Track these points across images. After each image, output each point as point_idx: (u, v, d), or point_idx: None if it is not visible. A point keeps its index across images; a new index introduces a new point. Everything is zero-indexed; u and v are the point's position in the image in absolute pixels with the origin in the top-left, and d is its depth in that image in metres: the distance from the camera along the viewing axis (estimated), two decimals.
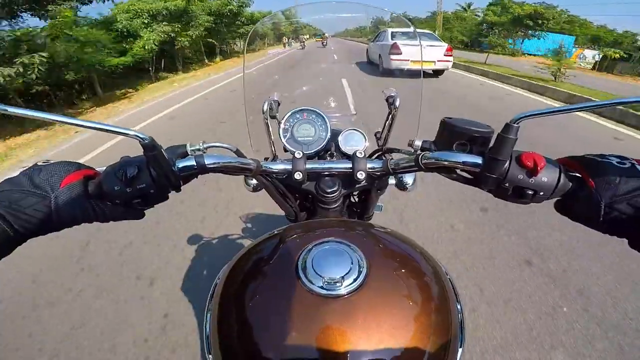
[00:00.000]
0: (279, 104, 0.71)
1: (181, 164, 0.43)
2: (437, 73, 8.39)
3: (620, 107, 4.95)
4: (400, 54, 7.11)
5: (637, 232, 0.33)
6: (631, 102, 0.31)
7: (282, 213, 0.69)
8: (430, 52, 7.61)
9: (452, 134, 0.46)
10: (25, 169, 0.38)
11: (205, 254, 1.93)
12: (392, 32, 7.60)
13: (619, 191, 0.34)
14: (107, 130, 0.36)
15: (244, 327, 0.35)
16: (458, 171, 0.45)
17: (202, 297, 1.53)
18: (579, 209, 0.37)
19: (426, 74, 8.36)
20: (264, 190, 0.64)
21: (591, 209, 0.35)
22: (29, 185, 0.36)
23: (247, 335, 0.35)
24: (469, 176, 0.44)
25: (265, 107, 0.67)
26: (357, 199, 0.75)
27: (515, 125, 0.36)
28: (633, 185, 0.34)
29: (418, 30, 9.82)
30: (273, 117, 0.69)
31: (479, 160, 0.41)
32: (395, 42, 7.16)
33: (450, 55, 7.88)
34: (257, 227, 2.13)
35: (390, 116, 0.70)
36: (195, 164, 0.44)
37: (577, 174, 0.39)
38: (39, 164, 0.39)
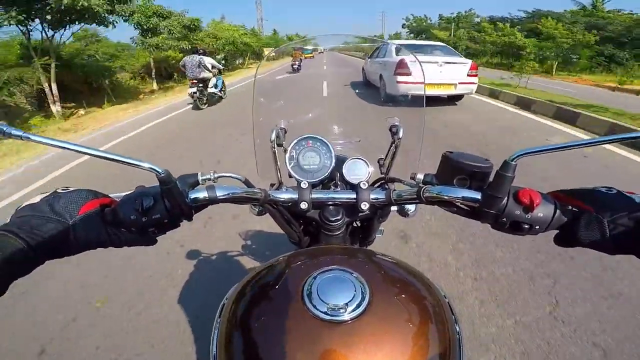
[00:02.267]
0: (285, 132, 0.71)
1: (193, 195, 0.46)
2: (453, 98, 6.42)
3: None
4: (410, 74, 5.22)
5: None
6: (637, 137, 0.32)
7: (282, 231, 0.69)
8: (450, 72, 5.73)
9: (452, 168, 0.46)
10: (45, 195, 0.40)
11: (205, 270, 1.89)
12: (396, 46, 5.76)
13: (617, 210, 0.37)
14: (123, 162, 0.38)
15: (251, 348, 0.37)
16: (458, 204, 0.46)
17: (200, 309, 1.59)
18: (584, 234, 0.38)
19: (442, 99, 6.43)
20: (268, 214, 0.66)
21: (597, 230, 0.37)
22: (49, 211, 0.38)
23: (253, 356, 0.36)
24: (468, 209, 0.46)
25: (273, 135, 0.67)
26: (359, 224, 0.75)
27: (513, 163, 0.38)
28: (626, 204, 0.37)
29: (430, 42, 8.01)
30: (280, 145, 0.69)
31: (477, 195, 0.43)
32: (402, 59, 5.30)
33: (475, 76, 5.98)
34: (256, 245, 2.06)
35: (394, 146, 0.71)
36: (207, 195, 0.46)
37: (572, 206, 0.41)
38: (58, 191, 0.41)
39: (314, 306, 0.36)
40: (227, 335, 0.40)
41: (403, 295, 0.40)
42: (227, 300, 0.46)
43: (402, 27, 36.52)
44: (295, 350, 0.34)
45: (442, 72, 5.63)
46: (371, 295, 0.38)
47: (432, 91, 5.66)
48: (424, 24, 35.81)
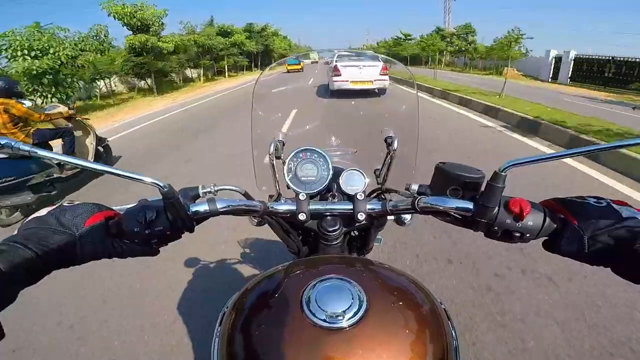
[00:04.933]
0: (283, 144, 0.74)
1: (195, 207, 0.48)
2: (379, 92, 9.35)
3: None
4: (340, 75, 8.02)
5: (619, 260, 0.38)
6: (631, 145, 0.32)
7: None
8: (367, 72, 8.59)
9: (445, 179, 0.49)
10: (52, 208, 0.42)
11: (204, 278, 2.00)
12: (338, 55, 8.53)
13: (599, 225, 0.38)
14: (127, 177, 0.40)
15: (251, 356, 0.38)
16: (451, 214, 0.47)
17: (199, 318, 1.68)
18: (566, 245, 0.40)
19: (372, 93, 9.40)
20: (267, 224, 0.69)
21: (576, 244, 0.39)
22: (56, 224, 0.40)
23: None
24: (461, 218, 0.47)
25: (272, 148, 0.70)
26: (357, 234, 0.77)
27: (503, 173, 0.40)
28: (611, 220, 0.38)
29: (363, 51, 10.81)
30: (278, 158, 0.71)
31: (470, 205, 0.45)
32: (336, 64, 8.12)
33: (386, 74, 8.92)
34: (255, 253, 2.20)
35: (389, 157, 0.74)
36: (207, 208, 0.48)
37: (561, 215, 0.42)
38: (64, 204, 0.43)
39: (313, 314, 0.37)
40: (228, 343, 0.41)
41: (400, 303, 0.41)
42: (227, 308, 0.48)
43: None
44: (295, 358, 0.35)
45: (361, 72, 8.44)
46: (369, 303, 0.39)
47: (355, 86, 8.51)
48: None
